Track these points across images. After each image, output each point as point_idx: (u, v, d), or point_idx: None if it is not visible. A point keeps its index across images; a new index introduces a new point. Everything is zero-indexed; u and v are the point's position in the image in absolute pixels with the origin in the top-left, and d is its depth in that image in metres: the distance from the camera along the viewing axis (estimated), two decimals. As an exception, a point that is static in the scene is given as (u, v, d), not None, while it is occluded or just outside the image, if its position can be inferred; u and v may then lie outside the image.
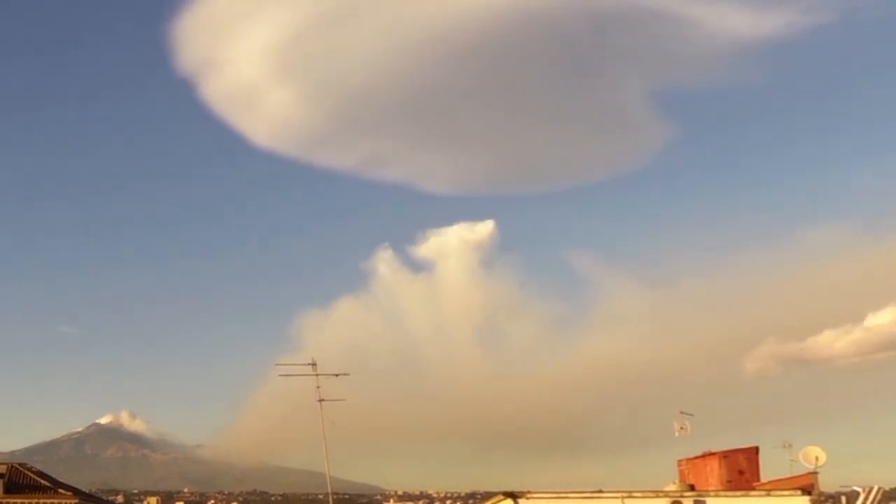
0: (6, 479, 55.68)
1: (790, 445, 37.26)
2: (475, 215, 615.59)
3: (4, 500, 54.44)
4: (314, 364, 37.00)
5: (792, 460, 35.62)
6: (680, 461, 38.77)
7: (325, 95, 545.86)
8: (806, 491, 30.52)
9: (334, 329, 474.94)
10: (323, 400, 37.09)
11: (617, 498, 30.65)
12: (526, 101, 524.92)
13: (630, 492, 31.04)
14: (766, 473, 36.36)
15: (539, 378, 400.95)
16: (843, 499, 36.22)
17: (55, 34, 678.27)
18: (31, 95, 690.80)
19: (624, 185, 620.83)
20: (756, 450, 37.00)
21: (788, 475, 34.47)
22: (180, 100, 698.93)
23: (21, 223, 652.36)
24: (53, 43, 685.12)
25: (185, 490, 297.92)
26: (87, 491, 73.94)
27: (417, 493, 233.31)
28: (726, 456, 36.63)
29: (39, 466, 63.25)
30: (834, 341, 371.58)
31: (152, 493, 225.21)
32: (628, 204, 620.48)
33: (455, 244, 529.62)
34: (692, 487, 34.36)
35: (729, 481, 35.58)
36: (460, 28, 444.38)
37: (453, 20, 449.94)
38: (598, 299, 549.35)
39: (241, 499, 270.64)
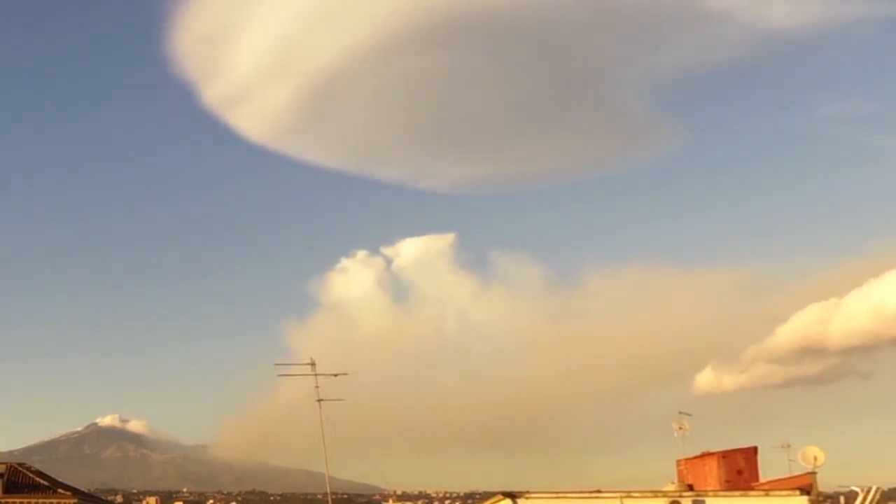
0: (5, 479, 55.61)
1: (789, 446, 37.33)
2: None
3: (4, 500, 54.38)
4: (313, 364, 36.90)
5: (791, 460, 35.68)
6: (679, 461, 38.78)
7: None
8: (804, 491, 30.52)
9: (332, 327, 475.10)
10: (322, 400, 37.02)
11: (616, 498, 30.64)
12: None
13: (629, 492, 31.03)
14: (765, 473, 36.45)
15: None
16: (842, 499, 36.19)
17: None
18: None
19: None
20: (755, 450, 37.02)
21: (787, 475, 34.49)
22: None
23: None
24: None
25: (185, 490, 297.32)
26: (86, 491, 73.91)
27: (417, 493, 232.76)
28: (725, 456, 36.64)
29: (38, 466, 63.19)
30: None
31: (151, 493, 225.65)
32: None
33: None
34: (691, 487, 34.38)
35: (728, 481, 35.58)
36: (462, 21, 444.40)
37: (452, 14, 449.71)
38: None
39: (240, 499, 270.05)
